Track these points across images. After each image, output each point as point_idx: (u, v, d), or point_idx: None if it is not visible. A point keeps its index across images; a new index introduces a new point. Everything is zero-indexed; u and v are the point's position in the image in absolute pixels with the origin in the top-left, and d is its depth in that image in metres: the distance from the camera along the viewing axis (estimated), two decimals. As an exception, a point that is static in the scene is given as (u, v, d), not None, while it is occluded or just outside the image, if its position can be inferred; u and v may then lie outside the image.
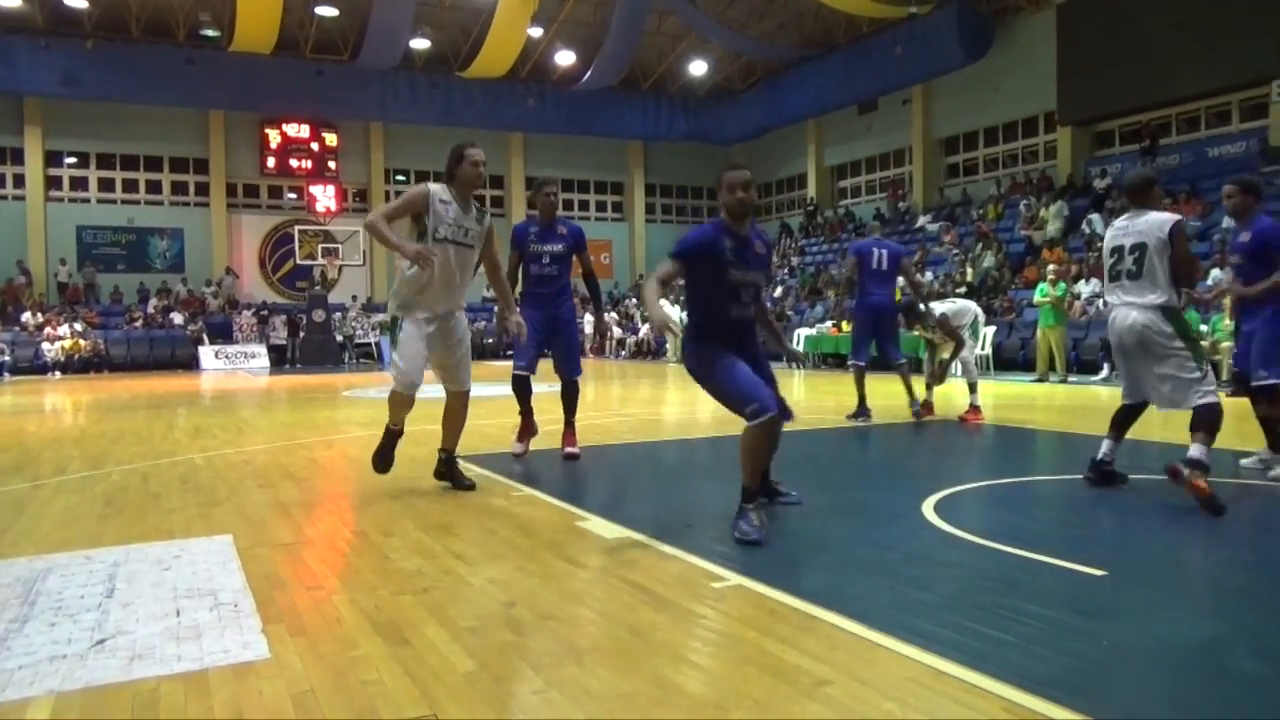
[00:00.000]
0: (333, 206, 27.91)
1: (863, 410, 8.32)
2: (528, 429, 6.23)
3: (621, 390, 13.64)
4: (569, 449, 6.19)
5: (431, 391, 5.16)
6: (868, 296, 8.30)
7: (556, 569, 3.43)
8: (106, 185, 26.49)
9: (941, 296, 14.47)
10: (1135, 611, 2.87)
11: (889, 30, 23.41)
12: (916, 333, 8.71)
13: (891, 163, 27.25)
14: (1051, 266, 14.80)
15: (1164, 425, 6.31)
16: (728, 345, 4.02)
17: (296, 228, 26.48)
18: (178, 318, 25.14)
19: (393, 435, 5.01)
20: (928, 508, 4.31)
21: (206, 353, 23.80)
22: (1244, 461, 5.43)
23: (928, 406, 8.48)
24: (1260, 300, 5.24)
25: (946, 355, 8.56)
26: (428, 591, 3.14)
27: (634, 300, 27.68)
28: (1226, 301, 9.32)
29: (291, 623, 2.83)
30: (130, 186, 26.75)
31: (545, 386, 6.08)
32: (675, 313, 22.70)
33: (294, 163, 27.67)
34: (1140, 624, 2.76)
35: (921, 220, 24.36)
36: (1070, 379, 13.60)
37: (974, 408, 8.22)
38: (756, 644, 2.58)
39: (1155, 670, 2.42)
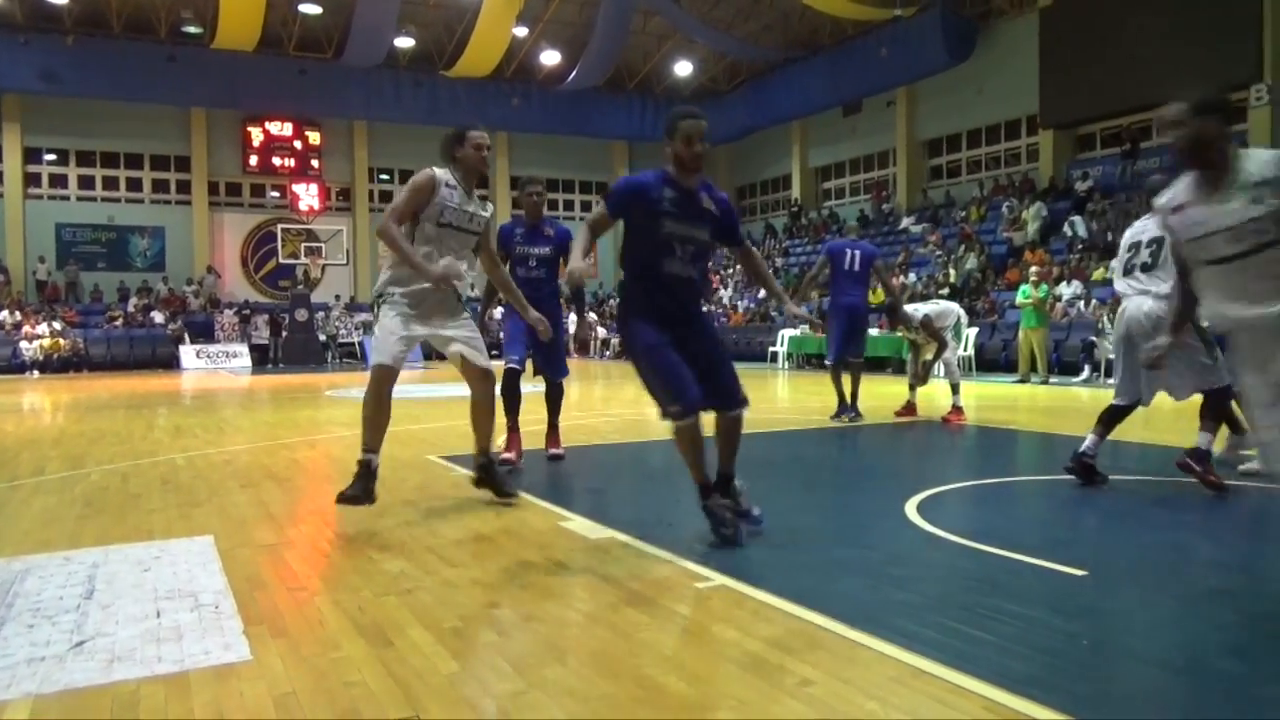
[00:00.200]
0: (316, 205, 27.78)
1: (844, 408, 8.38)
2: (515, 442, 5.88)
3: (606, 391, 13.63)
4: (553, 450, 6.17)
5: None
6: (840, 297, 8.41)
7: (540, 569, 3.43)
8: (86, 183, 26.27)
9: (924, 298, 14.58)
10: (1115, 611, 2.90)
11: (874, 32, 23.53)
12: (900, 334, 8.77)
13: (876, 164, 27.38)
14: (1034, 268, 14.92)
15: (1145, 426, 6.37)
16: (663, 311, 3.67)
17: (279, 226, 26.31)
18: (158, 317, 24.94)
19: (367, 469, 4.14)
20: (910, 508, 4.33)
21: (188, 352, 23.63)
22: (1242, 467, 5.39)
23: (910, 407, 8.55)
24: None
25: (929, 356, 8.62)
26: (411, 592, 3.13)
27: (617, 300, 27.63)
28: None
29: (273, 624, 2.82)
30: (111, 184, 26.54)
31: (529, 387, 6.07)
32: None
33: (277, 161, 27.53)
34: (1120, 624, 2.79)
35: (905, 222, 24.48)
36: (1052, 380, 13.72)
37: (956, 408, 8.27)
38: (739, 644, 2.59)
39: (1135, 670, 2.45)
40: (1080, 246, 18.35)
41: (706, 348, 3.73)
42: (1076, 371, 14.29)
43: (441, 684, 2.34)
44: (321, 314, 25.66)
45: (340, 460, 6.26)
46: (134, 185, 26.76)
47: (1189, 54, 17.36)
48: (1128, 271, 4.85)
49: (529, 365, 5.92)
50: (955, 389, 8.45)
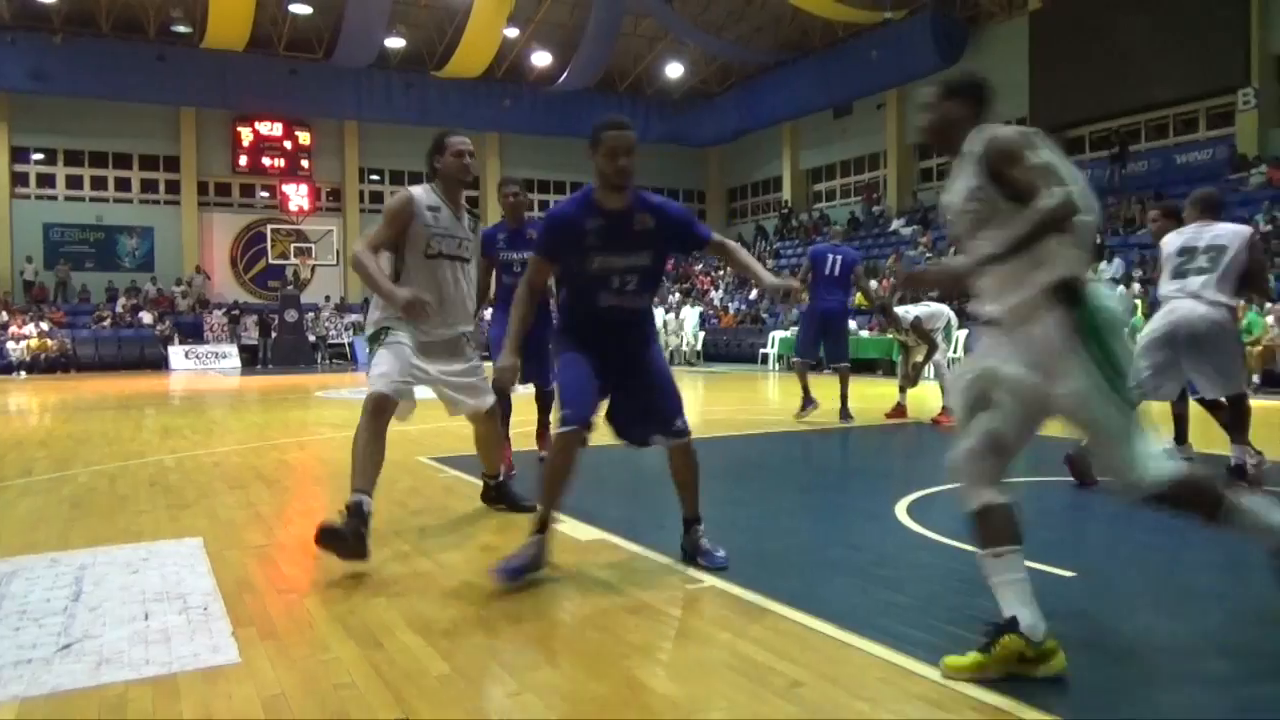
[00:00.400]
0: (306, 206, 27.69)
1: (808, 402, 8.53)
2: (505, 451, 5.57)
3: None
4: (544, 452, 6.16)
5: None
6: (818, 301, 8.57)
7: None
8: (74, 182, 26.13)
9: (915, 300, 14.60)
10: (1104, 613, 2.91)
11: (864, 35, 23.61)
12: (891, 335, 8.81)
13: (866, 166, 27.47)
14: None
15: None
16: (596, 338, 3.39)
17: (269, 227, 26.25)
18: (147, 317, 24.83)
19: (358, 509, 3.40)
20: (900, 509, 4.34)
21: (176, 353, 23.54)
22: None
23: (900, 409, 8.59)
24: None
25: (920, 358, 8.67)
26: (400, 595, 3.12)
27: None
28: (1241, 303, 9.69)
29: (262, 626, 2.80)
30: (99, 184, 26.40)
31: (518, 388, 6.03)
32: (694, 316, 22.57)
33: (267, 161, 27.44)
34: (1109, 625, 2.80)
35: (896, 224, 24.55)
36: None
37: (947, 410, 8.29)
38: (729, 645, 2.59)
39: (1123, 671, 2.46)
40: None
41: (647, 382, 3.45)
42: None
43: (432, 685, 2.34)
44: (311, 315, 25.59)
45: (330, 462, 6.24)
46: (123, 185, 26.63)
47: (1177, 58, 17.49)
48: (1179, 275, 4.91)
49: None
50: (945, 391, 8.47)
